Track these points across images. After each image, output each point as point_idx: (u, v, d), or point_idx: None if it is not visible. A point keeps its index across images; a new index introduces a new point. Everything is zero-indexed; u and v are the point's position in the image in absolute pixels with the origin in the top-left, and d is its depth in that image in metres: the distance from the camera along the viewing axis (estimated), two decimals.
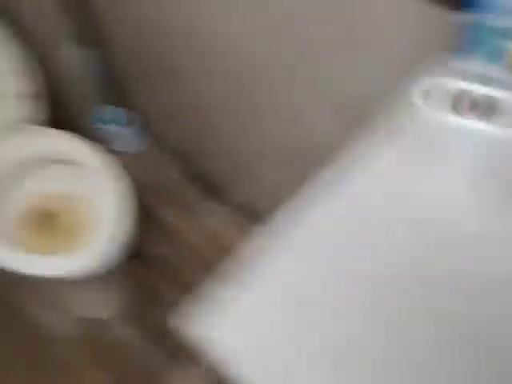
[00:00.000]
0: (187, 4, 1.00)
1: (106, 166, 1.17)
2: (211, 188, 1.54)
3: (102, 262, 1.07)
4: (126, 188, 1.14)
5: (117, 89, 1.55)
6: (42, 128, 1.25)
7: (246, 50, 0.98)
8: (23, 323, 1.35)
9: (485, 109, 0.52)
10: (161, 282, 1.38)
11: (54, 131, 1.24)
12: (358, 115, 0.73)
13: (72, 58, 1.41)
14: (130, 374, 1.25)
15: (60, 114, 1.23)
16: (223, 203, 1.51)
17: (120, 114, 1.58)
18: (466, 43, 0.55)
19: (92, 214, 1.24)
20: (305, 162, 1.00)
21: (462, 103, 0.53)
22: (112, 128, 1.59)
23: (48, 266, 1.04)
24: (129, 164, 1.50)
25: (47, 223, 1.29)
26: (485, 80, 0.52)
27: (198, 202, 1.54)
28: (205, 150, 1.49)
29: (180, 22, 1.09)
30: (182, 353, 1.17)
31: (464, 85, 0.53)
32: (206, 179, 1.56)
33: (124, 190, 1.13)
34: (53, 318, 1.35)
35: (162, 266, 1.41)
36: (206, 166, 1.55)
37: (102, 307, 1.36)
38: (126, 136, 1.65)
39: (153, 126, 1.64)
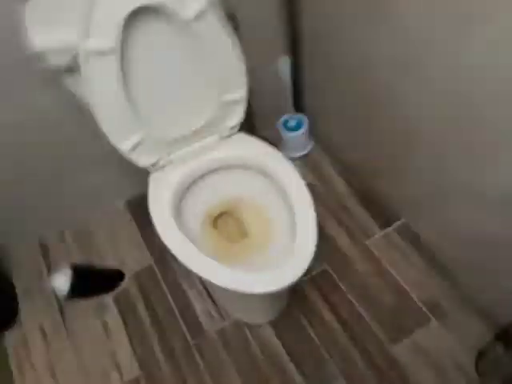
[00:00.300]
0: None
1: (294, 175, 1.16)
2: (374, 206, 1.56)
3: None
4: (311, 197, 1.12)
5: (299, 96, 1.66)
6: (242, 134, 1.26)
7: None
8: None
9: None
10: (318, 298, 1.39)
11: (251, 138, 1.25)
12: None
13: (279, 67, 1.48)
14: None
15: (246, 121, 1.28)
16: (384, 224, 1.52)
17: (301, 120, 1.65)
18: None
19: (276, 222, 1.25)
20: None
21: None
22: (291, 134, 1.63)
23: (259, 283, 0.99)
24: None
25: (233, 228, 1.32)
26: None
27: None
28: (369, 168, 1.53)
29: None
30: None
31: None
32: (368, 196, 1.58)
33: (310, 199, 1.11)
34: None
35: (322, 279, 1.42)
36: (368, 183, 1.59)
37: (264, 314, 1.38)
38: (302, 142, 1.69)
39: (320, 132, 1.72)
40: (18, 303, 1.46)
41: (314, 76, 1.55)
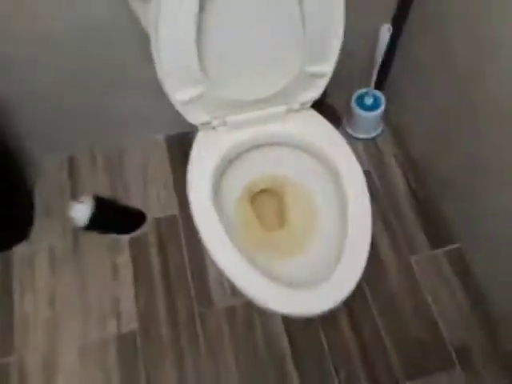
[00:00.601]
0: None
1: (359, 174, 1.01)
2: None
3: None
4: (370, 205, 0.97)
5: (384, 72, 1.46)
6: (311, 111, 1.09)
7: None
8: None
9: None
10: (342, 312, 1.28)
11: (319, 118, 1.08)
12: None
13: (379, 35, 1.25)
14: None
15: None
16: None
17: (378, 100, 1.44)
18: None
19: (323, 216, 1.10)
20: None
21: None
22: (365, 114, 1.43)
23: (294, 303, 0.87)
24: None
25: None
26: None
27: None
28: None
29: None
30: None
31: None
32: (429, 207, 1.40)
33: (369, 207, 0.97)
34: None
35: None
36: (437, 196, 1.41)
37: None
38: (373, 124, 1.49)
39: (394, 117, 1.52)
40: (32, 217, 1.39)
41: (411, 55, 1.32)
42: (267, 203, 1.17)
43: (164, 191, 1.43)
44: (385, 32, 1.27)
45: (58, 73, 1.18)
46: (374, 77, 1.38)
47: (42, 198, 1.42)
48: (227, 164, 1.07)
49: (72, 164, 1.48)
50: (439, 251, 1.32)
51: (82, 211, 1.24)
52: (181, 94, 0.95)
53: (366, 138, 1.49)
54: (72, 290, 1.28)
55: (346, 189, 0.99)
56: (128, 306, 1.26)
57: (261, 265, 0.99)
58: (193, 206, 0.98)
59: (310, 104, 1.07)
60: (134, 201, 1.42)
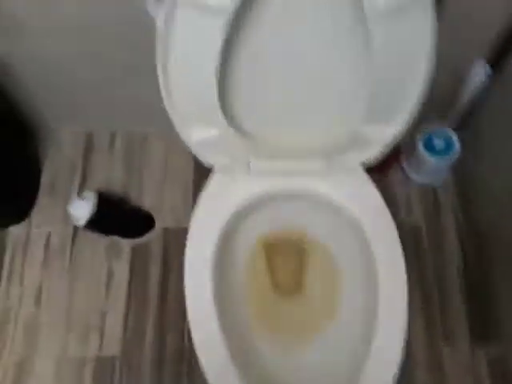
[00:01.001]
0: None
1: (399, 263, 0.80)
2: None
3: None
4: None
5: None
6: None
7: None
8: None
9: None
10: None
11: (367, 183, 0.86)
12: None
13: (472, 71, 1.01)
14: None
15: None
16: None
17: (451, 144, 1.16)
18: None
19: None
20: None
21: None
22: (433, 159, 1.16)
23: None
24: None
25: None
26: None
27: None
28: None
29: None
30: None
31: None
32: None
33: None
34: None
35: None
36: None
37: None
38: (439, 171, 1.24)
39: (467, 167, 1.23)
40: (36, 195, 1.27)
41: (508, 100, 1.03)
42: (283, 259, 0.99)
43: (181, 198, 1.26)
44: (479, 68, 0.99)
45: (81, 45, 1.00)
46: (454, 116, 1.11)
47: (50, 174, 1.29)
48: (243, 215, 0.88)
49: (89, 142, 1.33)
50: (480, 350, 1.10)
51: (82, 210, 1.11)
52: (192, 132, 0.75)
53: (426, 183, 1.24)
54: (60, 290, 1.17)
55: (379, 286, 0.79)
56: (115, 324, 1.14)
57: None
58: (187, 265, 0.81)
59: (359, 168, 0.84)
60: (147, 200, 1.26)
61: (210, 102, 0.68)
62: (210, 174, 0.86)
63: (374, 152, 0.80)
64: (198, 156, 0.80)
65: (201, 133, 0.75)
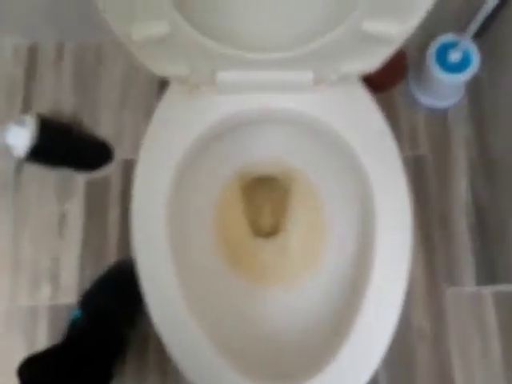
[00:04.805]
0: None
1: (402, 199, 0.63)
2: None
3: None
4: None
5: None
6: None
7: None
8: None
9: None
10: None
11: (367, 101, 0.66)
12: None
13: None
14: None
15: None
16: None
17: (469, 56, 0.93)
18: None
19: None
20: None
21: None
22: (447, 76, 0.93)
23: None
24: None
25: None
26: None
27: None
28: None
29: None
30: None
31: None
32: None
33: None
34: None
35: None
36: None
37: None
38: (452, 89, 1.01)
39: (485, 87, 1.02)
40: None
41: None
42: (261, 197, 0.82)
43: (144, 124, 1.06)
44: None
45: None
46: (477, 23, 0.89)
47: None
48: (208, 141, 0.69)
49: (32, 55, 1.10)
50: (486, 289, 0.97)
51: (19, 137, 0.92)
52: (138, 29, 0.54)
53: (434, 106, 1.04)
54: (4, 235, 1.00)
55: (375, 226, 0.63)
56: (69, 270, 0.98)
57: (226, 298, 0.69)
58: (135, 203, 0.64)
59: (356, 79, 0.65)
60: (103, 127, 1.06)
61: None
62: (165, 89, 0.67)
63: (375, 58, 0.60)
64: (145, 63, 0.60)
65: (144, 29, 0.54)
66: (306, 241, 0.77)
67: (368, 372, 0.56)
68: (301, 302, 0.71)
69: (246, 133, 0.72)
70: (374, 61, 0.60)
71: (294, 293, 0.72)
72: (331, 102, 0.66)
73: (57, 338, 0.92)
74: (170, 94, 0.67)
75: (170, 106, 0.66)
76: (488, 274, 0.98)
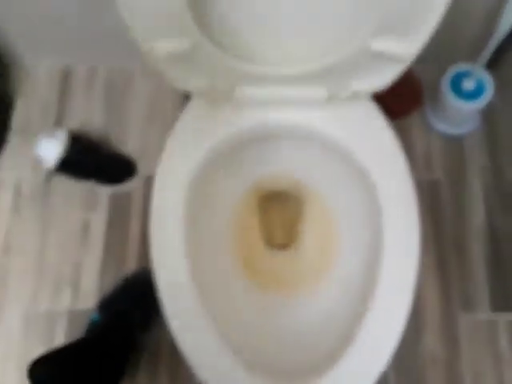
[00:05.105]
0: None
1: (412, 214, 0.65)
2: None
3: None
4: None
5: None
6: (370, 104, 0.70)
7: None
8: None
9: None
10: None
11: (378, 119, 0.70)
12: None
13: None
14: None
15: None
16: None
17: (482, 85, 0.97)
18: None
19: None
20: None
21: None
22: (462, 103, 0.97)
23: None
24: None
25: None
26: None
27: None
28: None
29: None
30: None
31: None
32: None
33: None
34: None
35: None
36: None
37: None
38: (467, 117, 1.05)
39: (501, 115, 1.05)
40: (5, 135, 1.13)
41: None
42: (275, 209, 0.85)
43: None
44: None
45: None
46: (489, 52, 0.92)
47: (22, 114, 1.15)
48: (226, 155, 0.73)
49: (66, 78, 1.17)
50: (501, 317, 0.96)
51: (51, 149, 0.98)
52: (161, 45, 0.59)
53: (450, 133, 1.07)
54: (31, 240, 1.04)
55: (385, 231, 0.64)
56: (90, 277, 1.02)
57: (239, 306, 0.71)
58: (154, 210, 0.67)
59: (367, 96, 0.68)
60: (130, 145, 1.12)
61: (178, 4, 0.53)
62: (187, 103, 0.71)
63: (385, 77, 0.63)
64: (167, 77, 0.65)
65: (167, 45, 0.59)
66: (318, 253, 0.78)
67: (375, 373, 0.57)
68: (312, 309, 0.73)
69: (262, 148, 0.76)
70: (383, 79, 0.63)
71: (305, 300, 0.73)
72: (343, 119, 0.69)
73: None
74: (191, 109, 0.71)
75: (189, 120, 0.70)
76: (503, 301, 0.97)
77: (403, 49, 0.57)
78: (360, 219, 0.73)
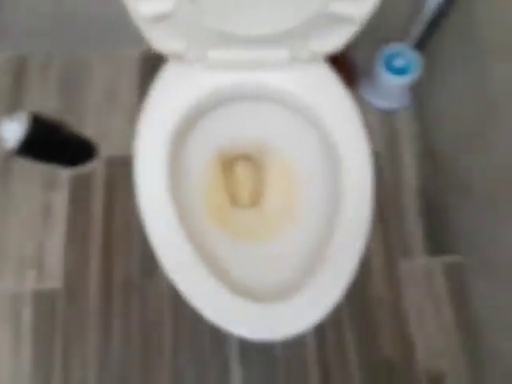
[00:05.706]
0: None
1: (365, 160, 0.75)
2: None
3: None
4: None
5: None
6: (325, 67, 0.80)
7: None
8: None
9: None
10: None
11: (332, 78, 0.79)
12: None
13: None
14: None
15: None
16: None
17: (412, 63, 1.11)
18: None
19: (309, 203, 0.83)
20: None
21: None
22: (392, 78, 1.11)
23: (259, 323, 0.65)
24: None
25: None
26: None
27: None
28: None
29: None
30: None
31: None
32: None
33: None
34: None
35: None
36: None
37: None
38: (399, 92, 1.18)
39: (428, 90, 1.18)
40: None
41: (472, 17, 1.00)
42: (243, 173, 0.92)
43: (127, 124, 1.16)
44: None
45: None
46: (417, 32, 1.07)
47: None
48: (198, 115, 0.80)
49: (21, 66, 1.18)
50: (436, 260, 1.10)
51: (12, 131, 0.98)
52: (145, 5, 0.66)
53: (384, 108, 1.21)
54: None
55: (343, 178, 0.74)
56: (54, 257, 1.03)
57: (214, 245, 0.77)
58: (138, 156, 0.73)
59: (323, 58, 0.79)
60: (89, 129, 1.14)
61: None
62: (164, 64, 0.78)
63: (340, 38, 0.74)
64: (149, 39, 0.71)
65: (151, 5, 0.66)
66: (281, 208, 0.86)
67: (339, 291, 0.66)
68: (280, 247, 0.80)
69: (227, 110, 0.84)
70: (339, 40, 0.74)
71: (273, 243, 0.81)
72: (303, 78, 0.79)
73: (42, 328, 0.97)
74: (164, 73, 0.77)
75: (167, 77, 0.76)
76: (436, 246, 1.11)
77: (356, 10, 0.69)
78: (319, 174, 0.83)
